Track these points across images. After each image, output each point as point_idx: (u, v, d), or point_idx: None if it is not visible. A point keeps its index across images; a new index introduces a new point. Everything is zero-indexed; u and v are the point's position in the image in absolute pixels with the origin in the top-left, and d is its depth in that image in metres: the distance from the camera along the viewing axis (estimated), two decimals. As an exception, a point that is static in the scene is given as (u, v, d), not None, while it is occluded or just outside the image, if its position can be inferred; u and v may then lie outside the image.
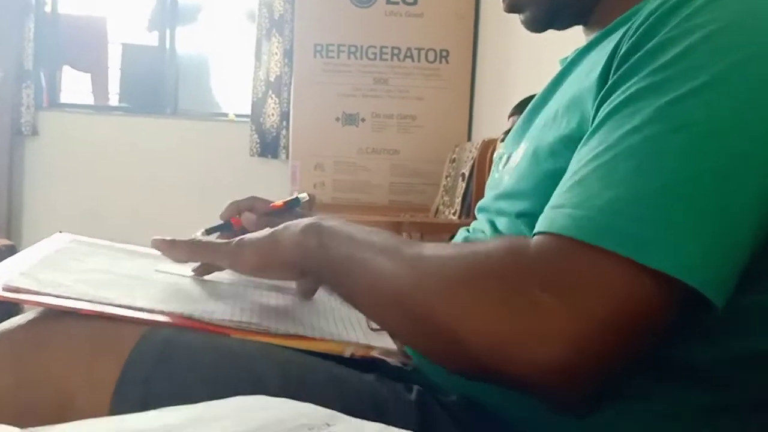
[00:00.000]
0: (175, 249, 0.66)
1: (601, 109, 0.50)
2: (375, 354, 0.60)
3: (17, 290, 0.57)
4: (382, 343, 0.63)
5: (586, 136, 0.50)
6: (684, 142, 0.44)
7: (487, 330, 0.44)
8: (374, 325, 0.66)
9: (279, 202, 0.82)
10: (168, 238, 0.67)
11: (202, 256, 0.66)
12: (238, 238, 0.65)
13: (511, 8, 0.70)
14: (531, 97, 0.74)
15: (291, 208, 0.83)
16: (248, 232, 0.81)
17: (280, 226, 0.63)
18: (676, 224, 0.43)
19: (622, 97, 0.48)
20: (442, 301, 0.46)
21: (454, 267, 0.47)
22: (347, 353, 0.59)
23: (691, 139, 0.44)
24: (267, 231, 0.63)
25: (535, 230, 0.47)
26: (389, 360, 0.60)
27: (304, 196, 0.85)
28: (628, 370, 0.45)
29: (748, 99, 0.45)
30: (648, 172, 0.44)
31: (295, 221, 0.62)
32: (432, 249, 0.50)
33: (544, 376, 0.42)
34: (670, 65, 0.47)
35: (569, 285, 0.43)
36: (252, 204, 0.81)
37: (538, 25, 0.70)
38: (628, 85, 0.48)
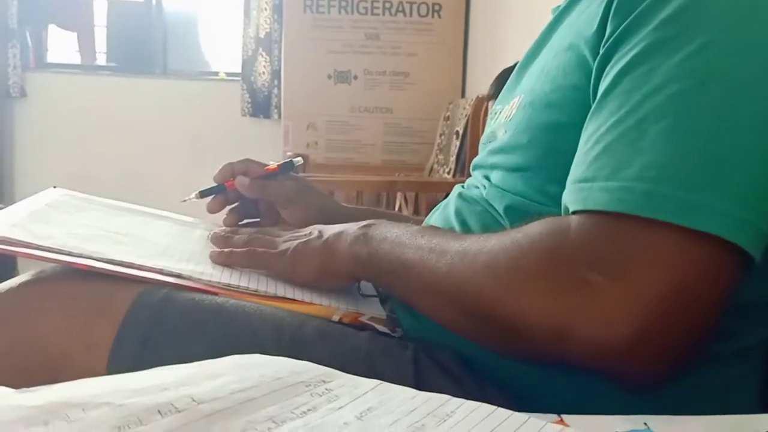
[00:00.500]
0: (231, 260, 0.66)
1: (609, 65, 0.48)
2: (363, 320, 0.61)
3: (8, 242, 0.56)
4: (371, 309, 0.63)
5: (599, 98, 0.48)
6: (713, 96, 0.42)
7: (545, 317, 0.43)
8: (365, 291, 0.67)
9: (273, 165, 0.82)
10: (226, 250, 0.67)
11: (259, 265, 0.65)
12: (293, 246, 0.64)
13: None
14: (509, 70, 0.73)
15: (285, 172, 0.82)
16: (241, 196, 0.81)
17: (332, 234, 0.63)
18: (723, 184, 0.41)
19: (633, 53, 0.46)
20: (496, 295, 0.46)
21: (503, 260, 0.46)
22: (335, 317, 0.60)
23: (719, 92, 0.43)
24: (319, 239, 0.63)
25: (571, 208, 0.45)
26: (377, 326, 0.60)
27: (298, 160, 0.85)
28: (704, 338, 0.43)
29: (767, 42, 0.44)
30: (682, 132, 0.42)
31: (345, 229, 0.62)
32: (476, 242, 0.50)
33: (610, 356, 0.42)
34: (679, 16, 0.45)
35: (618, 262, 0.41)
36: (246, 167, 0.81)
37: None
38: (636, 40, 0.46)
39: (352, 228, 0.62)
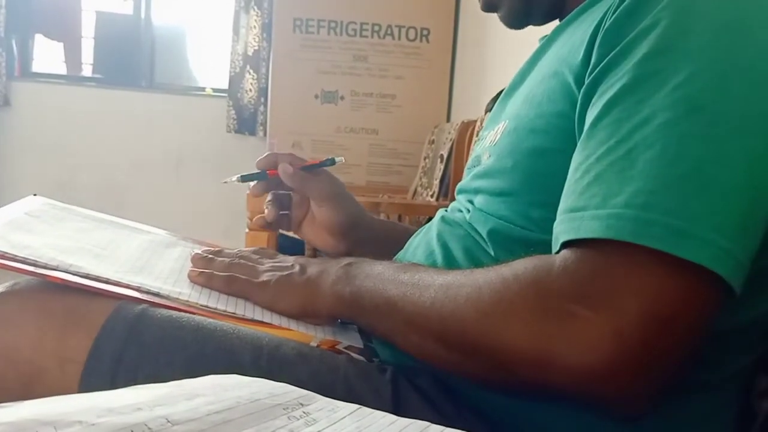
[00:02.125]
0: (211, 282, 0.65)
1: (597, 95, 0.48)
2: (340, 348, 0.60)
3: None
4: (349, 339, 0.63)
5: (587, 128, 0.48)
6: (699, 125, 0.43)
7: (527, 348, 0.43)
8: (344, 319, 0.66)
9: (315, 160, 0.84)
10: (207, 271, 0.65)
11: (239, 293, 0.64)
12: (275, 278, 0.64)
13: (488, 7, 0.73)
14: None
15: (323, 166, 0.84)
16: (280, 185, 0.82)
17: (314, 272, 0.63)
18: (708, 213, 0.41)
19: (621, 84, 0.46)
20: (479, 328, 0.46)
21: (486, 293, 0.47)
22: (313, 343, 0.59)
23: (705, 122, 0.43)
24: (302, 275, 0.63)
25: (562, 238, 0.46)
26: (353, 355, 0.60)
27: (340, 159, 0.86)
28: (684, 367, 0.43)
29: (756, 74, 0.45)
30: (669, 159, 0.42)
31: (327, 267, 0.62)
32: (460, 276, 0.50)
33: (591, 385, 0.42)
34: (665, 48, 0.46)
35: (600, 292, 0.42)
36: (290, 158, 0.83)
37: (514, 21, 0.71)
38: (623, 71, 0.47)
39: (334, 267, 0.62)
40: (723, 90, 0.44)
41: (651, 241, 0.41)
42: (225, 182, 0.83)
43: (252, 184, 0.84)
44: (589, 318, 0.41)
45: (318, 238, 0.85)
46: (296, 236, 0.88)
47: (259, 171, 0.83)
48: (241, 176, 0.82)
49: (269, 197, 0.84)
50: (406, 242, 0.73)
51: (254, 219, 0.85)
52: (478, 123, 1.93)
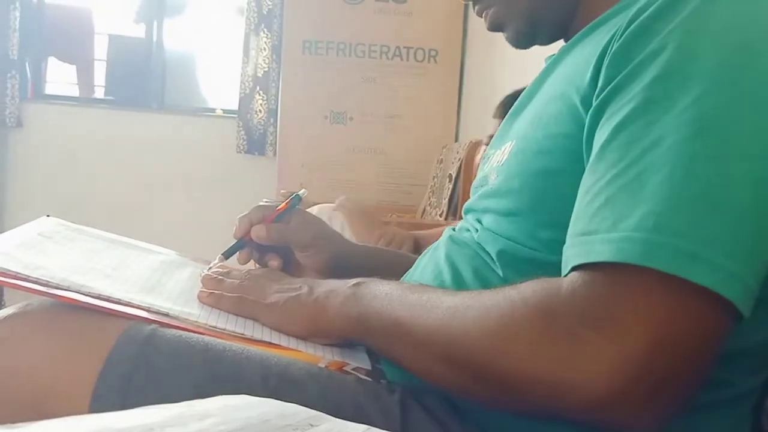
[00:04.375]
0: (220, 303, 0.66)
1: (605, 117, 0.49)
2: (348, 369, 0.60)
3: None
4: (357, 360, 0.63)
5: (597, 151, 0.48)
6: (708, 146, 0.43)
7: (535, 371, 0.43)
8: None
9: (281, 205, 0.82)
10: (216, 292, 0.66)
11: (248, 314, 0.65)
12: (283, 300, 0.64)
13: (494, 27, 0.72)
14: (514, 95, 0.74)
15: (294, 207, 0.83)
16: (263, 245, 0.80)
17: (322, 292, 0.63)
18: (717, 236, 0.41)
19: (630, 107, 0.47)
20: (486, 350, 0.46)
21: (494, 316, 0.47)
22: (322, 364, 0.59)
23: (713, 143, 0.43)
24: (310, 296, 0.63)
25: (572, 262, 0.45)
26: (361, 375, 0.60)
27: (303, 192, 0.85)
28: (693, 390, 0.43)
29: (761, 99, 0.45)
30: (679, 180, 0.43)
31: (336, 287, 0.62)
32: (468, 298, 0.50)
33: (600, 411, 0.42)
34: (673, 70, 0.46)
35: (608, 315, 0.41)
36: (261, 215, 0.81)
37: (520, 41, 0.71)
38: (631, 94, 0.47)
39: (342, 287, 0.62)
40: (730, 112, 0.44)
41: (661, 264, 0.41)
42: (209, 268, 0.75)
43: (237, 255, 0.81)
44: (596, 342, 0.41)
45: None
46: None
47: (237, 241, 0.81)
48: (223, 254, 0.79)
49: (254, 263, 0.83)
50: (394, 265, 0.74)
51: None
52: (484, 144, 1.93)
